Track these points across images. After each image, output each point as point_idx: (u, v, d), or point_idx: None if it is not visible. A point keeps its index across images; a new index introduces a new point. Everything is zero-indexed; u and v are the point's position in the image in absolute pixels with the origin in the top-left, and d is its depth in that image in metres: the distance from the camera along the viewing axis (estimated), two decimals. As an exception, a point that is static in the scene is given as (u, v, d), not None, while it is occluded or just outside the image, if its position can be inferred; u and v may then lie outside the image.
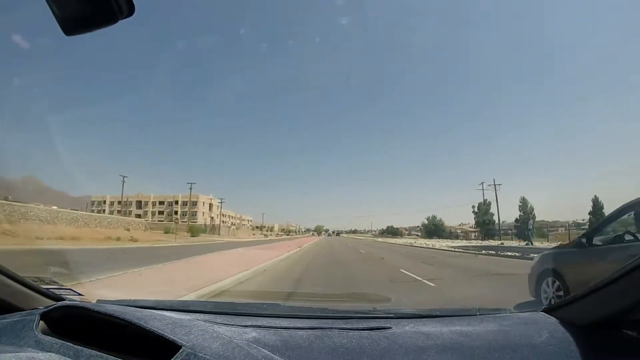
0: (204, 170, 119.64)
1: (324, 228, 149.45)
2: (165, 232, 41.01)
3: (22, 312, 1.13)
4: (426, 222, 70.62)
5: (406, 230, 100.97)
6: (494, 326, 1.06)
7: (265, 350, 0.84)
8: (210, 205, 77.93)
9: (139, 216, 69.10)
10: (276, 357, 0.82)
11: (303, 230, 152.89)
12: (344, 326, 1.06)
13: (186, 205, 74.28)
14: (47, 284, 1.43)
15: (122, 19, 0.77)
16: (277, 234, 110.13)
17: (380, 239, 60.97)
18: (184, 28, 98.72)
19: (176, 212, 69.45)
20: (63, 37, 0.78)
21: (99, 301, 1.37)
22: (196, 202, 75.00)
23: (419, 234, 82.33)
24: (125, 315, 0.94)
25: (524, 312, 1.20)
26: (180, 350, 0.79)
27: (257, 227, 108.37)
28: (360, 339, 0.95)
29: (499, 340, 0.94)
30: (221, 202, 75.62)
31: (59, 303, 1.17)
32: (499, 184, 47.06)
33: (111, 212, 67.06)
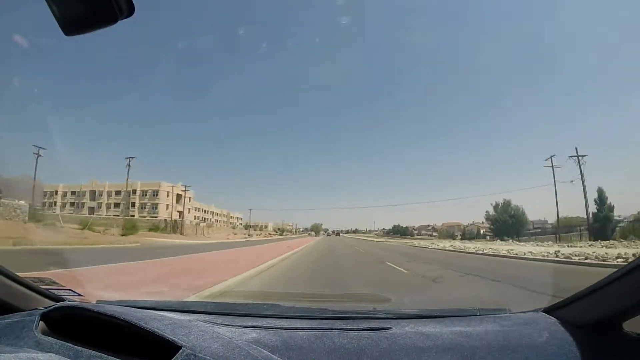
0: (196, 166, 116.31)
1: (323, 227, 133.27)
2: (82, 228, 28.31)
3: (22, 312, 1.13)
4: (492, 212, 41.50)
5: (415, 230, 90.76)
6: (494, 326, 1.06)
7: (265, 351, 0.84)
8: (179, 196, 60.12)
9: (92, 209, 57.66)
10: (276, 357, 0.82)
11: (301, 229, 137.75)
12: (344, 327, 1.06)
13: (146, 195, 58.63)
14: (47, 284, 1.43)
15: (122, 19, 0.77)
16: (269, 233, 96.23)
17: (413, 242, 36.25)
18: (183, 28, 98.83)
19: (133, 204, 56.98)
20: (63, 37, 0.78)
21: (98, 302, 1.37)
22: (157, 191, 59.13)
23: (433, 234, 70.12)
24: (125, 315, 0.94)
25: (524, 312, 1.20)
26: (180, 351, 0.79)
27: (249, 226, 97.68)
28: (360, 339, 0.95)
29: (499, 340, 0.94)
30: (185, 190, 57.13)
31: (59, 304, 1.17)
32: (583, 155, 29.35)
33: (63, 205, 57.27)
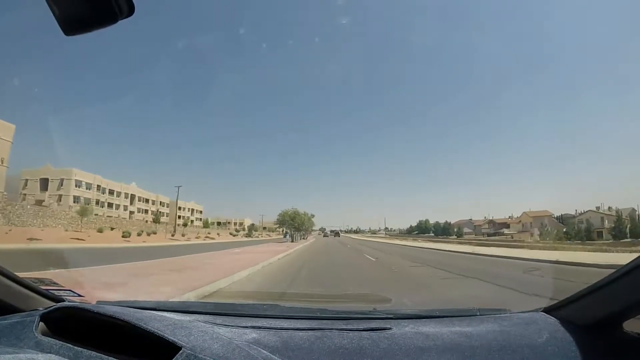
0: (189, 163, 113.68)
1: (319, 226, 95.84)
2: None
3: (22, 313, 1.13)
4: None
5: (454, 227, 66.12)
6: (494, 326, 1.06)
7: (265, 351, 0.84)
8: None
9: None
10: (276, 358, 0.82)
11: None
12: (344, 327, 1.06)
13: None
14: (47, 285, 1.43)
15: (122, 19, 0.77)
16: (231, 234, 69.01)
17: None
18: (183, 28, 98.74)
19: None
20: (63, 37, 0.78)
21: (98, 302, 1.37)
22: None
23: (507, 233, 43.95)
24: (125, 316, 0.94)
25: (524, 312, 1.19)
26: (180, 352, 0.79)
27: (221, 223, 76.92)
28: (360, 339, 0.95)
29: (499, 340, 0.94)
30: None
31: (59, 304, 1.17)
32: None
33: None
